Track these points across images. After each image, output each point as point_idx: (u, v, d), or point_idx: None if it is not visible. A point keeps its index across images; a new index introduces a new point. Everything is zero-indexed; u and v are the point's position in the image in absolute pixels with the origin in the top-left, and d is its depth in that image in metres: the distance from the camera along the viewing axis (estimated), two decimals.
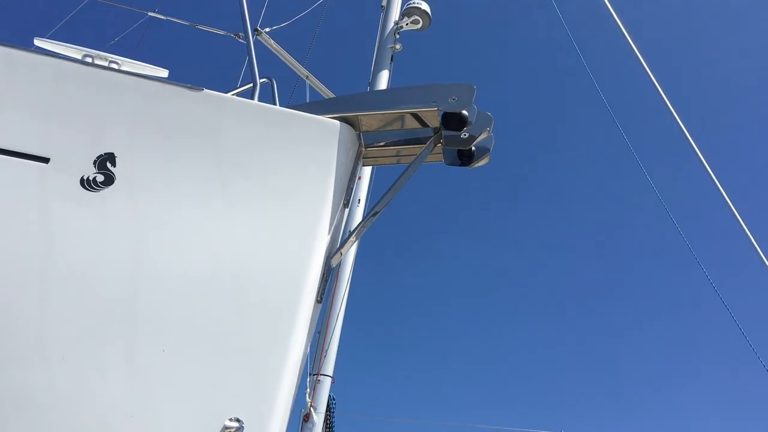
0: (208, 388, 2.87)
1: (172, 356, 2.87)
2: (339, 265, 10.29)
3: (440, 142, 3.56)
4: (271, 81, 3.93)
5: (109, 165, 3.06)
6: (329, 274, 3.30)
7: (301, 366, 3.11)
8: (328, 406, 9.98)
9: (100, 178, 3.04)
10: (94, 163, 3.05)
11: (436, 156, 3.67)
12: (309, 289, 3.11)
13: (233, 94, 3.57)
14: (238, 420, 2.82)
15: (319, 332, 10.37)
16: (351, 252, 10.57)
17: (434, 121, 3.51)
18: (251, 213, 3.16)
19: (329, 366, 10.24)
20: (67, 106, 3.10)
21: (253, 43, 3.94)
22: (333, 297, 10.74)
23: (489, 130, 3.53)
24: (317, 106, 3.50)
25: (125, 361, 2.83)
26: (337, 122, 3.40)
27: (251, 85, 3.63)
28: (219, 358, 2.92)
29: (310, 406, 9.68)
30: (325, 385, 10.21)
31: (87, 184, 3.02)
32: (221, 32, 9.65)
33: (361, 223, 3.51)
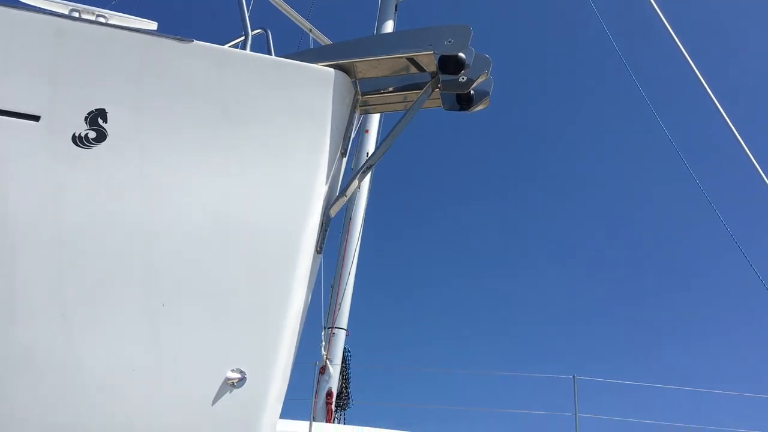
0: (209, 341, 2.88)
1: (171, 310, 2.87)
2: (350, 218, 10.29)
3: (438, 87, 3.48)
4: (266, 32, 3.85)
5: (100, 121, 3.02)
6: (328, 224, 3.27)
7: (302, 317, 3.10)
8: (343, 358, 10.14)
9: (92, 134, 3.00)
10: (86, 119, 3.01)
11: (434, 101, 3.59)
12: (307, 239, 3.08)
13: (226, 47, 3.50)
14: (240, 371, 2.83)
15: (332, 286, 10.47)
16: (361, 205, 10.57)
17: (431, 65, 3.42)
18: (245, 165, 3.12)
19: (343, 319, 10.37)
20: (55, 62, 3.04)
21: None
22: (345, 251, 10.79)
23: (488, 73, 3.45)
24: (311, 55, 3.42)
25: (125, 316, 2.83)
26: (332, 70, 3.32)
27: (243, 38, 3.55)
28: (219, 310, 2.92)
29: (326, 358, 9.85)
30: (340, 338, 10.37)
31: (79, 140, 2.98)
32: None
33: (360, 169, 3.45)
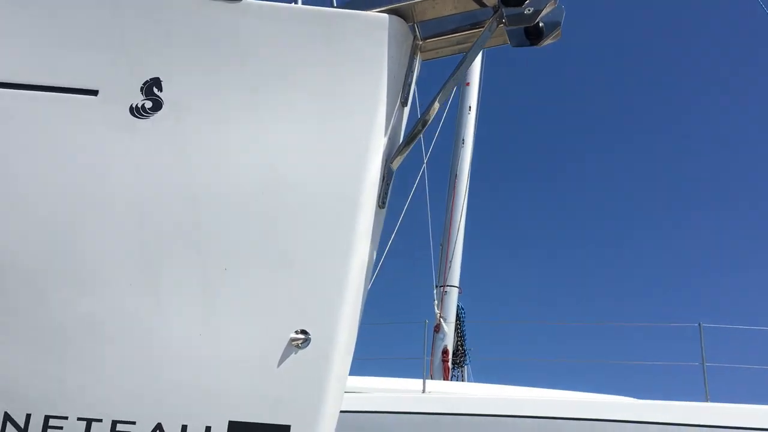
0: (272, 303, 2.85)
1: (234, 274, 2.86)
2: (455, 175, 10.10)
3: (503, 22, 3.23)
4: None
5: (155, 90, 3.03)
6: (391, 178, 3.15)
7: (367, 274, 3.01)
8: (457, 315, 10.07)
9: (149, 104, 3.02)
10: (141, 89, 3.03)
11: (500, 38, 3.35)
12: (368, 193, 2.98)
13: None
14: (304, 332, 2.79)
15: (441, 245, 10.37)
16: (466, 160, 10.34)
17: None
18: (301, 122, 3.04)
19: (455, 277, 10.28)
20: (106, 34, 3.08)
21: None
22: (452, 209, 10.64)
23: (556, 0, 3.16)
24: (363, 2, 3.27)
25: (188, 283, 2.85)
26: (385, 15, 3.16)
27: None
28: (281, 271, 2.88)
29: (440, 317, 9.82)
30: (453, 296, 10.30)
31: (137, 111, 3.01)
32: None
33: (422, 117, 3.28)
